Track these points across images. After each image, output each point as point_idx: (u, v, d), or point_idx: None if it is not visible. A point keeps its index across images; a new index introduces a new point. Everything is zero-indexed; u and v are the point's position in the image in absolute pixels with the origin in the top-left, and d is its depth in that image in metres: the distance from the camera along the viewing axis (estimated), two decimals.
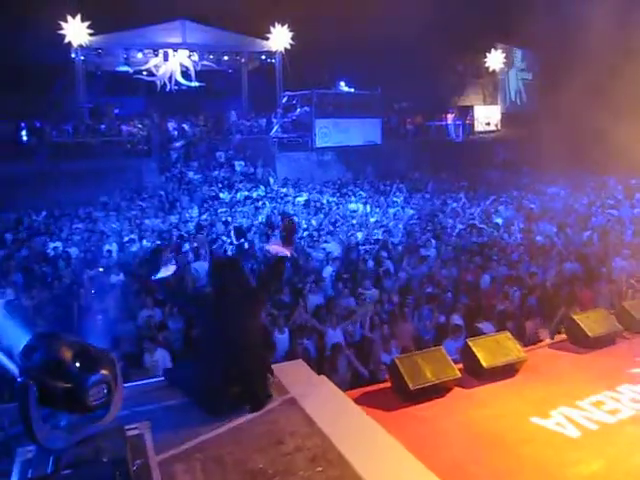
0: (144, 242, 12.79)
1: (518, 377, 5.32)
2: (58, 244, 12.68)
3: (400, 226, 14.37)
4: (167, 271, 4.26)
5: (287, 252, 4.45)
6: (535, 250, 11.80)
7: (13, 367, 3.01)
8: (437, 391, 4.99)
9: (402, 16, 23.19)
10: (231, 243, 12.12)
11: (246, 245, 11.76)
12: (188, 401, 4.23)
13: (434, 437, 4.45)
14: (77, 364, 2.76)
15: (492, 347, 5.37)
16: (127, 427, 3.01)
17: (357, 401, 5.02)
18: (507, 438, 4.33)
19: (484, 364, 5.19)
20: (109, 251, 11.92)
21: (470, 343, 5.39)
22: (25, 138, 21.12)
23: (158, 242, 12.43)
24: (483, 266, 10.85)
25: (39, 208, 16.10)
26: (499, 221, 14.64)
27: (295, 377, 4.64)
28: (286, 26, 24.59)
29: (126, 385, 4.49)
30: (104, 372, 2.86)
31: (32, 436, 2.70)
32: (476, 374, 5.26)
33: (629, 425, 4.42)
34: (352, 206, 17.08)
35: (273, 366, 4.83)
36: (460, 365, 5.38)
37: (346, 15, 24.10)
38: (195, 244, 11.94)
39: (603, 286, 9.57)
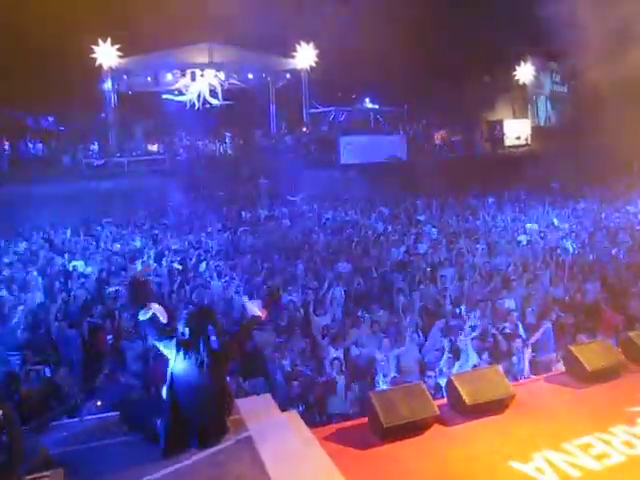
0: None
1: (506, 414, 4.96)
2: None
3: (420, 245, 14.00)
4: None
5: (262, 315, 4.48)
6: (559, 269, 11.29)
7: None
8: (414, 429, 4.70)
9: (428, 30, 22.93)
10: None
11: None
12: (141, 437, 4.10)
13: None
14: None
15: (478, 382, 5.05)
16: (35, 476, 2.85)
17: (329, 438, 4.77)
18: None
19: (467, 400, 4.88)
20: None
21: (453, 378, 5.08)
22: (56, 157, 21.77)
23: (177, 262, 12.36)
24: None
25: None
26: (522, 238, 14.13)
27: (259, 413, 4.43)
28: (311, 44, 24.66)
29: (83, 419, 4.43)
30: None
31: None
32: (460, 410, 4.95)
33: (616, 473, 4.03)
34: (373, 224, 16.75)
35: (237, 400, 4.66)
36: (443, 400, 5.08)
37: (371, 32, 23.96)
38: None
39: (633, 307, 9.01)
